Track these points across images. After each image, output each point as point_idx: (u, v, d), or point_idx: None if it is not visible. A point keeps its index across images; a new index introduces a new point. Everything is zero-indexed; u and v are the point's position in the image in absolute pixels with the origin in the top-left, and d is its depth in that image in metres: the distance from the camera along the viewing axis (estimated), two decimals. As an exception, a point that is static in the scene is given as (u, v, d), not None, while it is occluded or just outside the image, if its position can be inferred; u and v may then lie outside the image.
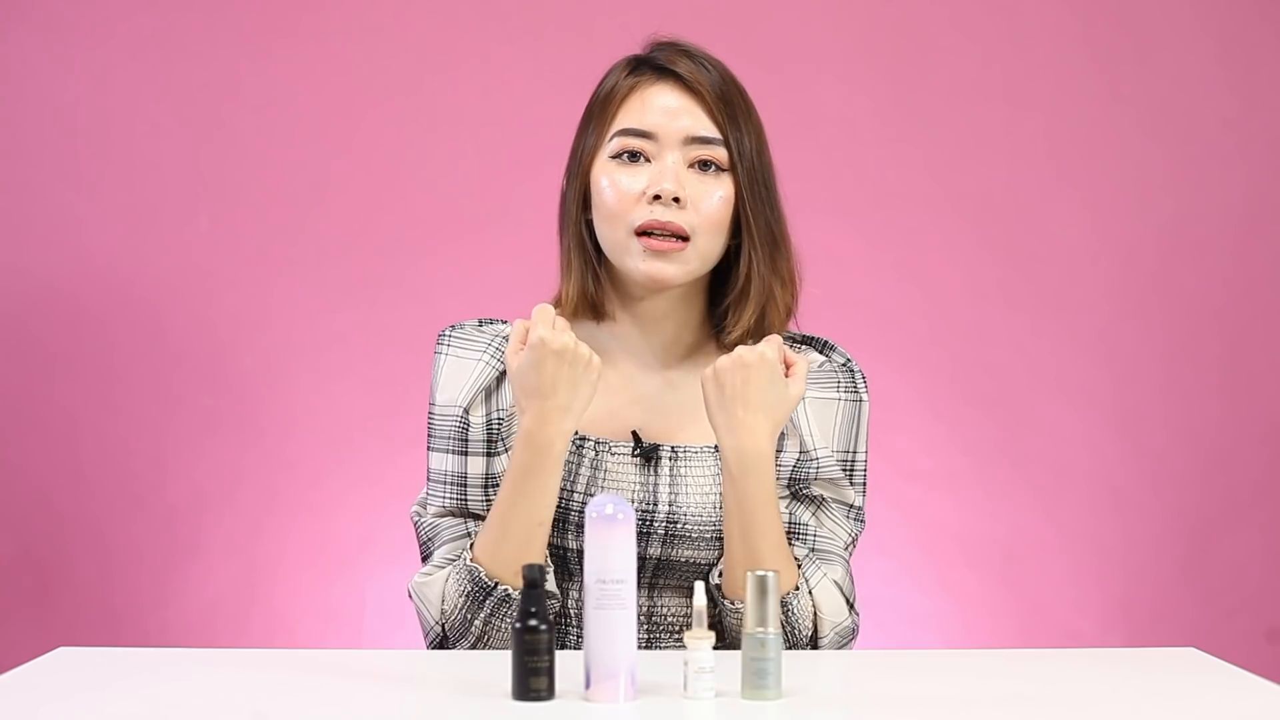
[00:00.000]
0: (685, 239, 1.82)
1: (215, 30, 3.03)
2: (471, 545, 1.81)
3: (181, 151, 3.03)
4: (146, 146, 3.03)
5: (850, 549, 1.89)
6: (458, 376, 1.87)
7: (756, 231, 1.86)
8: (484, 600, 1.78)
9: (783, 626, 1.77)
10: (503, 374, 1.88)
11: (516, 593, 1.76)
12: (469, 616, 1.79)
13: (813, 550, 1.85)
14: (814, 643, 1.81)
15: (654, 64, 1.89)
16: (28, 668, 1.66)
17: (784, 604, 1.78)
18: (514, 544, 1.76)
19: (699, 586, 1.52)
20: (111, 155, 3.03)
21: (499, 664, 1.56)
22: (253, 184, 3.04)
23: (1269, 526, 3.07)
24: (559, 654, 1.51)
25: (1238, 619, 3.04)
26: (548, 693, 1.49)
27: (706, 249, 1.84)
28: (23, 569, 3.01)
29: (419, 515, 1.89)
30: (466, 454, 1.86)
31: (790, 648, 1.78)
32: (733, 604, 1.78)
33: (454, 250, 3.03)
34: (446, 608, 1.81)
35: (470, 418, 1.86)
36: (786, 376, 1.79)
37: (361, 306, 3.03)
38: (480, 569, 1.77)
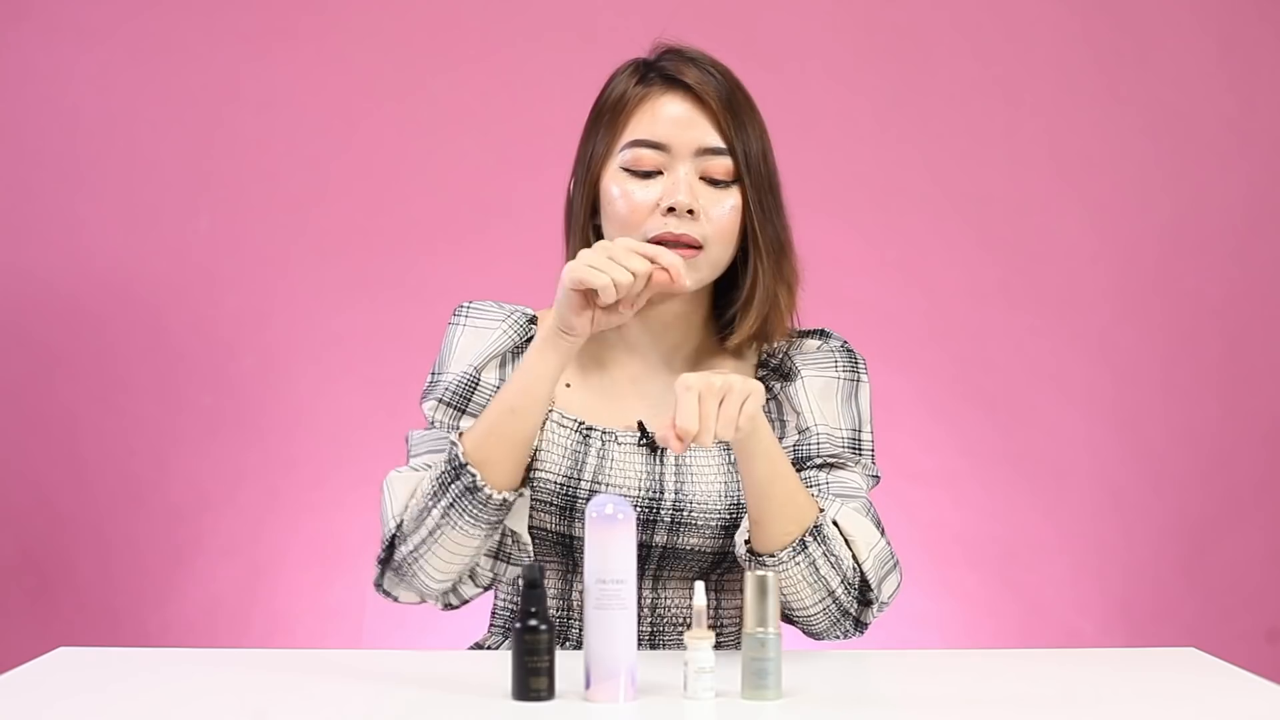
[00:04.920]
0: (698, 247, 1.83)
1: (215, 31, 3.04)
2: (461, 434, 1.81)
3: (182, 152, 3.03)
4: (147, 147, 3.03)
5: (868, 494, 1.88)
6: (474, 344, 1.90)
7: (764, 241, 1.88)
8: (451, 482, 1.76)
9: (826, 557, 1.75)
10: (517, 350, 1.90)
11: (485, 486, 1.75)
12: (429, 505, 1.77)
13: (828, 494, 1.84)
14: (861, 575, 1.77)
15: (662, 73, 1.90)
16: (28, 668, 1.66)
17: (818, 529, 1.75)
18: (496, 434, 1.76)
19: (699, 586, 1.52)
20: (112, 156, 3.03)
21: (499, 664, 1.56)
22: (253, 184, 3.04)
23: (1269, 526, 3.07)
24: (559, 654, 1.51)
25: (1238, 619, 3.04)
26: (548, 693, 1.49)
27: (717, 257, 1.86)
28: (23, 569, 3.01)
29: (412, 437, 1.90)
30: (465, 412, 1.86)
31: (840, 583, 1.77)
32: (774, 555, 1.75)
33: (454, 250, 3.03)
34: (413, 502, 1.79)
35: (482, 377, 1.88)
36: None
37: (362, 306, 3.03)
38: (459, 448, 1.77)
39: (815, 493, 1.84)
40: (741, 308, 1.89)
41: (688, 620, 1.85)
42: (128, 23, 3.03)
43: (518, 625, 1.49)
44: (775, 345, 1.95)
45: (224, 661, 1.75)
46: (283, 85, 3.04)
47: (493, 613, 1.97)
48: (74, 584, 3.00)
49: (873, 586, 1.78)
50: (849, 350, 1.95)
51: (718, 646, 1.60)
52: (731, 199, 1.86)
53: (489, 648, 1.93)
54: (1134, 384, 3.07)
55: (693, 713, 1.48)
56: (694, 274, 1.83)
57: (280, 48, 3.05)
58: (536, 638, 1.48)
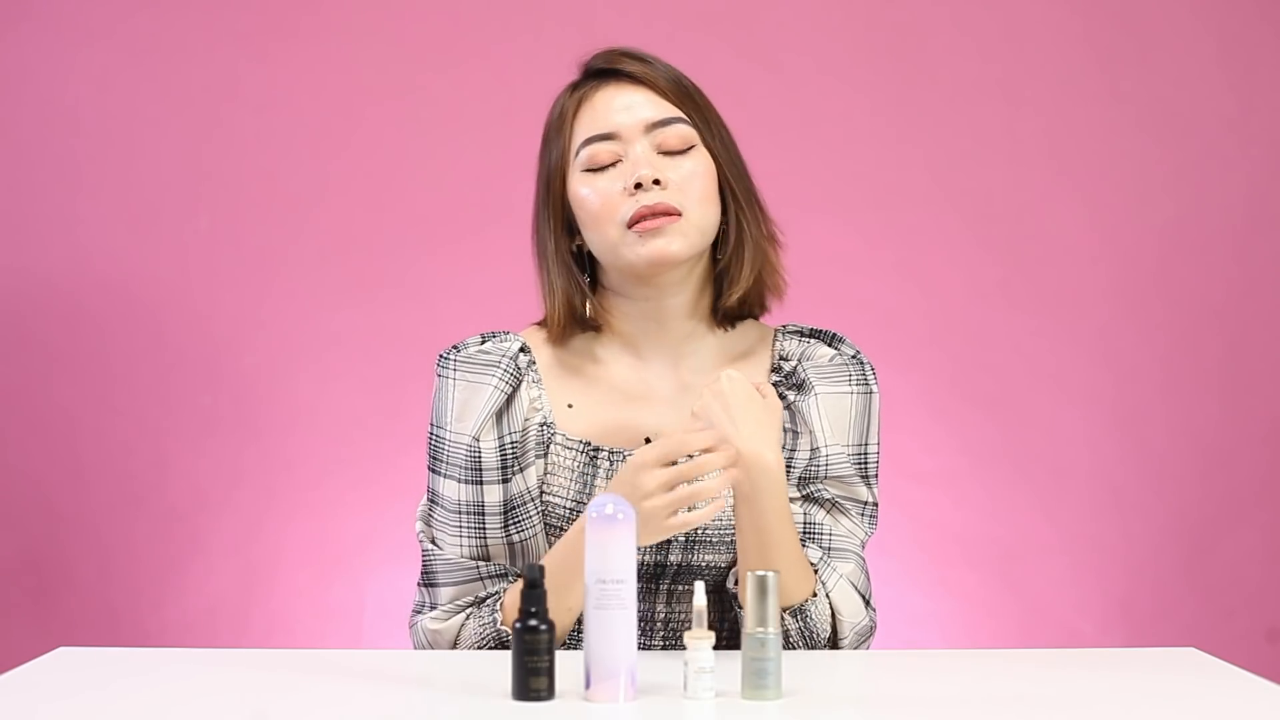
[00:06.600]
0: (677, 214, 1.82)
1: (215, 31, 3.03)
2: (501, 604, 1.81)
3: (181, 151, 3.03)
4: (146, 146, 3.03)
5: (864, 546, 1.89)
6: (469, 405, 1.85)
7: (741, 195, 1.88)
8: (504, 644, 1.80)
9: (801, 634, 1.77)
10: (511, 396, 1.87)
11: None
12: (484, 650, 1.80)
13: (828, 550, 1.84)
14: (834, 644, 1.81)
15: (595, 72, 1.90)
16: (28, 668, 1.66)
17: (802, 611, 1.77)
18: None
19: (699, 587, 1.52)
20: (111, 155, 3.03)
21: (499, 664, 1.56)
22: (252, 184, 3.04)
23: (1269, 526, 3.07)
24: (559, 654, 1.51)
25: (1238, 619, 3.04)
26: (548, 693, 1.49)
27: (700, 220, 1.84)
28: (23, 569, 3.01)
29: (424, 536, 1.88)
30: (482, 483, 1.84)
31: (809, 649, 1.78)
32: None
33: (454, 250, 3.03)
34: (461, 649, 1.82)
35: (482, 445, 1.84)
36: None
37: (361, 307, 3.03)
38: (509, 633, 1.78)
39: (815, 550, 1.83)
40: (733, 261, 1.88)
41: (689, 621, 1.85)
42: (127, 22, 3.03)
43: (518, 625, 1.49)
44: (787, 348, 1.94)
45: (224, 661, 1.75)
46: (282, 85, 3.04)
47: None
48: (74, 584, 3.00)
49: (841, 648, 1.81)
50: (861, 362, 1.92)
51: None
52: (695, 163, 1.85)
53: None
54: (1134, 384, 3.06)
55: (693, 713, 1.48)
56: (681, 239, 1.82)
57: (279, 48, 3.05)
58: (536, 638, 1.48)
